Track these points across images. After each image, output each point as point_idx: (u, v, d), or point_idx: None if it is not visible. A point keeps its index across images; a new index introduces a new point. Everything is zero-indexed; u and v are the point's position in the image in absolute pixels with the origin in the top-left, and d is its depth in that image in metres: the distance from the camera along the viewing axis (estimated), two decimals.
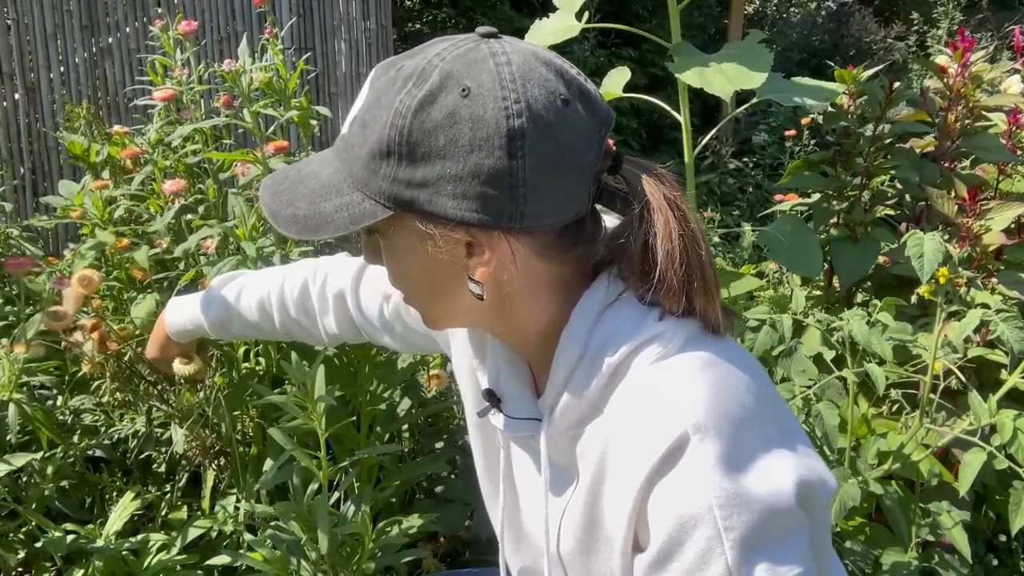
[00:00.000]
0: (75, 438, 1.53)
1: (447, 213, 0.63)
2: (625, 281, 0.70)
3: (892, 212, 1.97)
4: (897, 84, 1.83)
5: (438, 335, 0.94)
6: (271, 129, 1.64)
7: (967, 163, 1.93)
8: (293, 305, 1.09)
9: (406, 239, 0.68)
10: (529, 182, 0.63)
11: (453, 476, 1.75)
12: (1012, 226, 1.69)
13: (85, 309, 1.40)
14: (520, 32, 1.55)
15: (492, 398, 0.79)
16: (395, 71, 0.65)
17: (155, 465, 1.60)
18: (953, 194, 1.65)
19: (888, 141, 1.87)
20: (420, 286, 0.72)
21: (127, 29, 2.59)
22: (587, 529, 0.71)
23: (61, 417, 1.54)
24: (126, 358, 1.42)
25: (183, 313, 1.19)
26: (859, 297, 1.97)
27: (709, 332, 0.69)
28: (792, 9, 8.51)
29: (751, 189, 5.09)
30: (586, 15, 1.49)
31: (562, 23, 1.48)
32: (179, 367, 1.28)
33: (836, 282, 1.93)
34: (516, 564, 0.87)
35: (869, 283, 1.94)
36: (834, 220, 1.92)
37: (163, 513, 1.50)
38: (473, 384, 0.85)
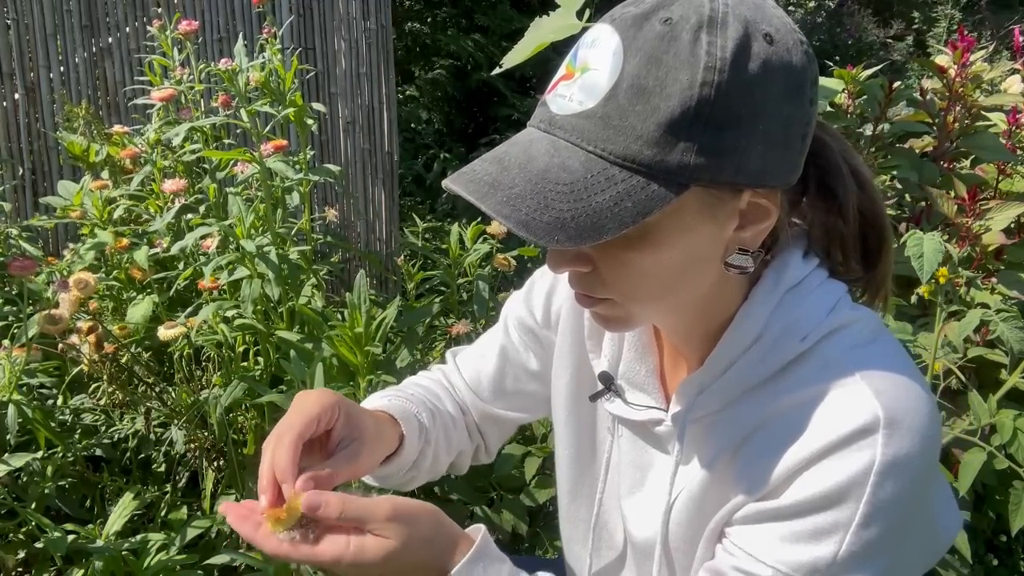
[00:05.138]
0: (75, 438, 1.53)
1: (753, 179, 0.55)
2: (810, 261, 0.65)
3: (892, 212, 1.97)
4: (897, 84, 1.83)
5: (548, 356, 0.85)
6: (268, 128, 1.64)
7: (967, 163, 1.93)
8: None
9: (679, 221, 0.56)
10: (811, 131, 0.59)
11: (453, 476, 1.74)
12: (1012, 226, 1.69)
13: (84, 310, 1.40)
14: (520, 32, 1.55)
15: (609, 382, 0.75)
16: (659, 23, 0.53)
17: (155, 465, 1.60)
18: (953, 194, 1.65)
19: (888, 141, 1.86)
20: (667, 278, 0.59)
21: (127, 29, 2.58)
22: (699, 512, 0.67)
23: (61, 417, 1.54)
24: (124, 359, 1.42)
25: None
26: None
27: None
28: (791, 9, 8.50)
29: None
30: (587, 13, 1.49)
31: (562, 21, 1.48)
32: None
33: None
34: (595, 565, 0.81)
35: None
36: None
37: (163, 513, 1.50)
38: (577, 373, 0.80)
